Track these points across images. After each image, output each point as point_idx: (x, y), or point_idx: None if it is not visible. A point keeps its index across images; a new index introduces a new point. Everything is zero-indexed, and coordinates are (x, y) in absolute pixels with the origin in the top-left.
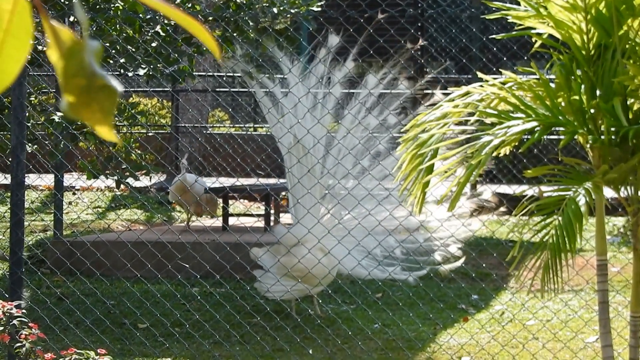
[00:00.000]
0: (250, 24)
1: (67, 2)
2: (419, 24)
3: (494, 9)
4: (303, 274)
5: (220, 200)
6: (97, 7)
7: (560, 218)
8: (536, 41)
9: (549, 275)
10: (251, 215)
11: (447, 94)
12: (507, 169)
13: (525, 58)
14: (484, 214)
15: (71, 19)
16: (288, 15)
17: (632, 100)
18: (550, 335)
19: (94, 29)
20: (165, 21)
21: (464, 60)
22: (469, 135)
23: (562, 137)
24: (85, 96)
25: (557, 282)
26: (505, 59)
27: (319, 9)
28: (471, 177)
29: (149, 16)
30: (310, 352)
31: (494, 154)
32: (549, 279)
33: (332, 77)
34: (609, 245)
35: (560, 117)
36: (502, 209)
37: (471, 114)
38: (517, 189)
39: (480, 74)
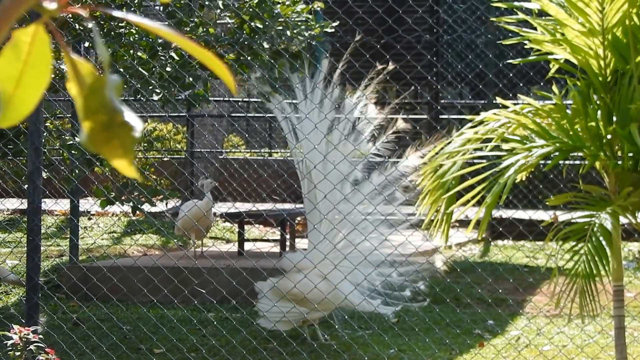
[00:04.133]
0: (265, 47)
1: (81, 28)
2: (435, 50)
3: (509, 34)
4: (299, 299)
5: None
6: (112, 32)
7: (588, 244)
8: (552, 66)
9: (585, 300)
10: (267, 240)
11: (458, 119)
12: (522, 194)
13: (541, 83)
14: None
15: (86, 44)
16: (301, 38)
17: None
18: None
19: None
20: (179, 46)
21: (479, 86)
22: (489, 162)
23: (577, 162)
24: (106, 132)
25: (592, 306)
26: (520, 84)
27: (332, 30)
28: (498, 199)
29: (161, 40)
30: None
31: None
32: (586, 304)
33: (341, 101)
34: (624, 270)
35: (578, 143)
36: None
37: (488, 142)
38: (532, 215)
39: (499, 99)
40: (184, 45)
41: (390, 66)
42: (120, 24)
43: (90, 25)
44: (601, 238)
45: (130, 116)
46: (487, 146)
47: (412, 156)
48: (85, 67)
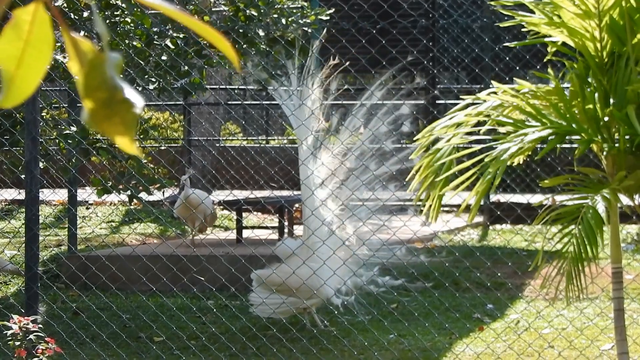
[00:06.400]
0: (261, 34)
1: (77, 17)
2: (431, 35)
3: (505, 18)
4: (289, 292)
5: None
6: (107, 21)
7: (579, 226)
8: (550, 50)
9: (572, 283)
10: (265, 227)
11: (455, 104)
12: (520, 178)
13: (538, 67)
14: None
15: (81, 33)
16: (295, 26)
17: None
18: (566, 344)
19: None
20: (175, 34)
21: (476, 70)
22: (483, 145)
23: (575, 145)
24: (107, 109)
25: (579, 289)
26: (517, 68)
27: (327, 17)
28: (489, 186)
29: (156, 29)
30: None
31: (507, 163)
32: (572, 287)
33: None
34: (623, 253)
35: (574, 125)
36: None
37: (485, 123)
38: (530, 199)
39: (494, 83)
40: (186, 22)
41: (335, 61)
42: (115, 13)
43: (85, 14)
44: (591, 221)
45: (130, 93)
46: (481, 129)
47: (324, 155)
48: (85, 45)
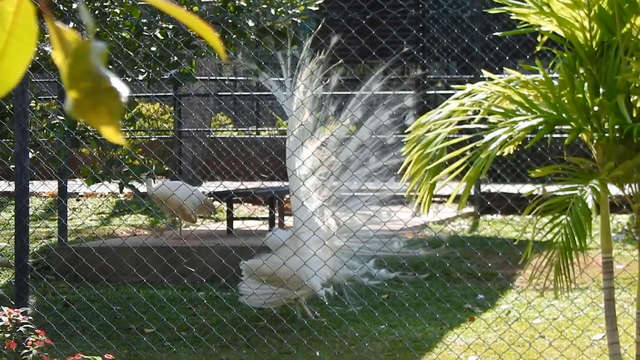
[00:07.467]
0: (251, 25)
1: (66, 9)
2: (421, 25)
3: (495, 7)
4: (279, 283)
5: (224, 205)
6: (96, 12)
7: (568, 217)
8: (540, 38)
9: (560, 274)
10: (256, 218)
11: (445, 94)
12: (510, 168)
13: (528, 57)
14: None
15: (71, 24)
16: (283, 16)
17: (636, 97)
18: (556, 334)
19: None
20: (164, 25)
21: (466, 60)
22: (473, 135)
23: (565, 135)
24: (92, 99)
25: (568, 280)
26: (507, 58)
27: (317, 7)
28: (479, 173)
29: (145, 20)
30: (317, 354)
31: (498, 153)
32: (561, 278)
33: (331, 78)
34: (613, 242)
35: (564, 115)
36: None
37: (475, 113)
38: (521, 189)
39: (485, 72)
40: (173, 13)
41: (323, 56)
42: (104, 4)
43: (75, 5)
44: (580, 212)
45: (115, 82)
46: (473, 118)
47: (311, 146)
48: (69, 34)
